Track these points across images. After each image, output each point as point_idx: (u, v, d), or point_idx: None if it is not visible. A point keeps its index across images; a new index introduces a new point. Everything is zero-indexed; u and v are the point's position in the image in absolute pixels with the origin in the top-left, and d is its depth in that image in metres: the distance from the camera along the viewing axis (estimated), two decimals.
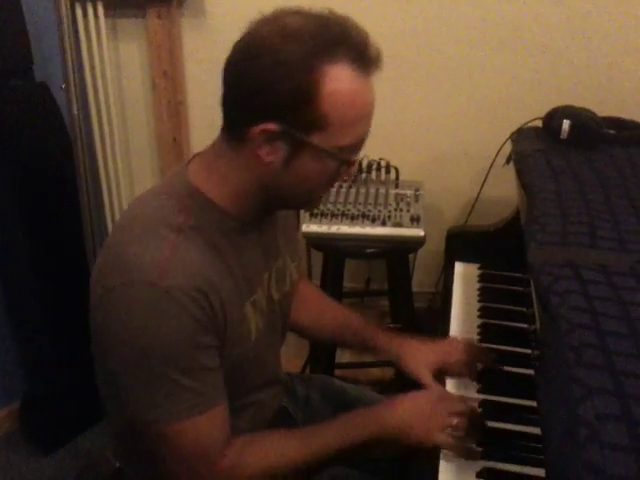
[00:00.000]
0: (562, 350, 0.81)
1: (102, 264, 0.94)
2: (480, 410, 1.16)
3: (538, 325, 0.97)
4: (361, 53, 0.89)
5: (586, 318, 0.88)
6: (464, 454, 1.05)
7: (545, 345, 0.88)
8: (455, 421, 1.05)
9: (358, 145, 0.95)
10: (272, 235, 1.12)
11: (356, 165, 0.99)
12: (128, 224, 0.97)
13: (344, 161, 0.94)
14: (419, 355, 1.26)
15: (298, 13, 0.91)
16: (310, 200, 1.03)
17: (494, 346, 1.36)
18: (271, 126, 0.88)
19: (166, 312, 0.87)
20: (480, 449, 1.07)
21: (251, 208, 1.00)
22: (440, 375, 1.25)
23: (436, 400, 1.10)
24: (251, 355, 1.05)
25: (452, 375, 1.27)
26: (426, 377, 1.23)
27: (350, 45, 0.89)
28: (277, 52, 0.86)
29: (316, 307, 1.37)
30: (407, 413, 1.07)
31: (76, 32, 1.99)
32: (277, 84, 0.86)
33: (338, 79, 0.87)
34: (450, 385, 1.25)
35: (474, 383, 1.25)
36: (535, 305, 1.02)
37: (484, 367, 1.28)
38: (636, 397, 0.73)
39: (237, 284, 0.99)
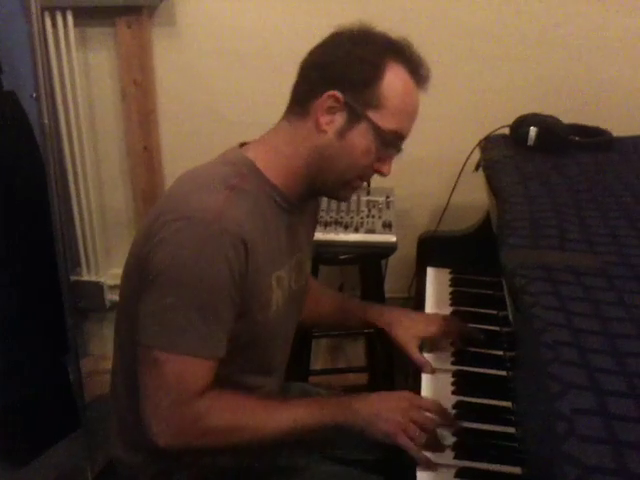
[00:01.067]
0: (537, 348, 0.83)
1: (164, 206, 1.04)
2: (454, 412, 1.18)
3: (513, 324, 0.99)
4: (416, 67, 1.09)
5: (560, 317, 0.90)
6: (425, 463, 1.05)
7: (520, 344, 0.91)
8: (417, 432, 1.06)
9: (399, 137, 1.10)
10: (299, 229, 1.21)
11: (390, 166, 1.13)
12: (190, 179, 1.09)
13: (388, 142, 1.08)
14: (408, 324, 1.36)
15: (372, 26, 1.11)
16: (348, 184, 1.13)
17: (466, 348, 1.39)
18: (337, 94, 1.04)
19: (212, 253, 0.97)
20: (451, 444, 1.08)
21: (297, 186, 1.12)
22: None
23: (406, 402, 1.12)
24: (266, 329, 1.12)
25: (433, 349, 1.35)
26: (413, 349, 1.32)
27: (410, 58, 1.09)
28: (355, 42, 1.07)
29: (314, 293, 1.42)
30: (374, 407, 1.10)
31: (45, 41, 1.97)
32: (348, 64, 1.05)
33: (398, 75, 1.06)
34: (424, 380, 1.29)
35: (449, 384, 1.27)
36: (508, 306, 1.05)
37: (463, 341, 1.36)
38: (611, 392, 0.75)
39: (272, 252, 1.09)
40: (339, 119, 1.06)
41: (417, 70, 1.09)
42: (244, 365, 1.12)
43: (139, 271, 1.03)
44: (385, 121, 1.06)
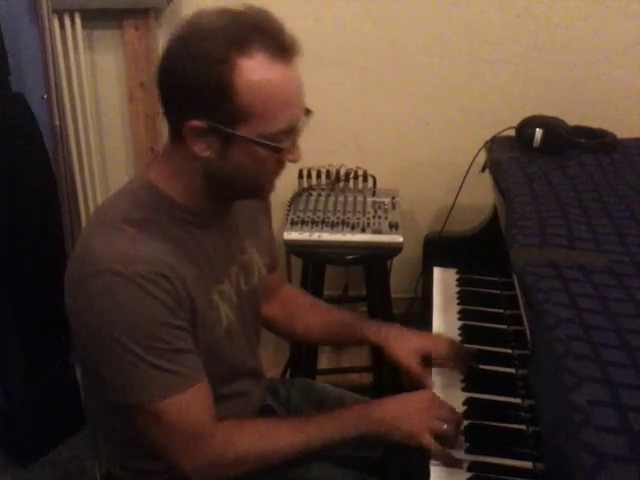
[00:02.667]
0: (551, 343, 0.85)
1: (72, 261, 0.99)
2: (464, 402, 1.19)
3: (525, 321, 1.01)
4: (275, 41, 0.92)
5: (570, 313, 0.93)
6: (447, 461, 1.07)
7: (534, 339, 0.93)
8: (444, 426, 1.07)
9: (290, 130, 0.97)
10: (235, 230, 1.15)
11: (298, 150, 1.01)
12: (93, 222, 1.04)
13: (275, 148, 0.96)
14: (405, 341, 1.29)
15: (214, 12, 0.94)
16: (258, 188, 1.05)
17: (475, 346, 1.41)
18: (197, 123, 0.92)
19: (132, 297, 0.92)
20: (465, 458, 1.08)
21: (205, 201, 1.04)
22: (425, 365, 1.28)
23: (427, 403, 1.12)
24: (224, 343, 1.10)
25: (438, 365, 1.29)
26: (411, 363, 1.25)
27: (264, 35, 0.92)
28: (193, 50, 0.90)
29: (303, 308, 1.41)
30: (396, 411, 1.10)
31: (53, 43, 1.99)
32: (195, 81, 0.90)
33: (252, 70, 0.91)
34: (435, 377, 1.29)
35: (459, 380, 1.29)
36: (521, 302, 1.07)
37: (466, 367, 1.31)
38: (623, 385, 0.77)
39: (201, 272, 1.03)
40: (214, 142, 0.95)
41: (277, 44, 0.92)
42: (217, 379, 1.08)
43: (77, 332, 1.00)
44: (261, 128, 0.94)
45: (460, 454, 1.09)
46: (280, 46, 0.93)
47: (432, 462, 1.07)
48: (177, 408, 0.97)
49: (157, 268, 0.94)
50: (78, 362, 1.16)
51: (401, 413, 1.09)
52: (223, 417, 1.04)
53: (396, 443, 1.09)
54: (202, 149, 0.95)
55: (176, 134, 0.97)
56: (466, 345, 1.38)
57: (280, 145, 0.96)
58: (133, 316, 0.93)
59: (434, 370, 1.25)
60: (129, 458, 1.14)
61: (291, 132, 0.98)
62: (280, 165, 1.02)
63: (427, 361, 1.29)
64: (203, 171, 0.99)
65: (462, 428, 1.13)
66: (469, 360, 1.32)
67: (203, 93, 0.91)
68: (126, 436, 1.10)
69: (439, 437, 1.07)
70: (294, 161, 1.02)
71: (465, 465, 1.07)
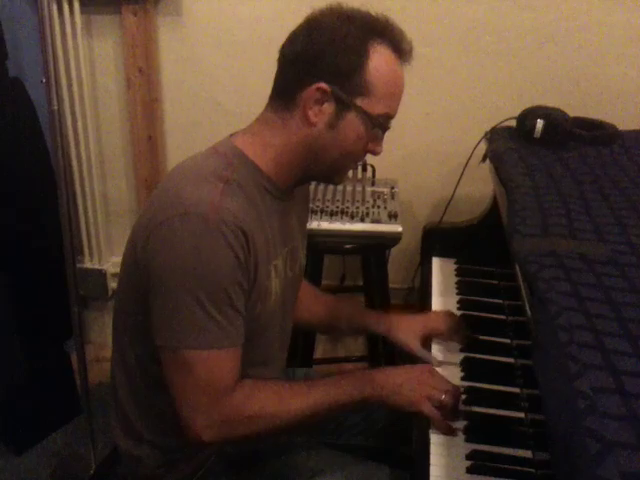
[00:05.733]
0: (554, 331, 0.85)
1: (157, 204, 1.02)
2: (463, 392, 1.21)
3: (527, 310, 1.01)
4: (399, 44, 1.07)
5: (573, 302, 0.92)
6: (446, 429, 1.12)
7: (537, 327, 0.93)
8: (443, 396, 1.12)
9: (389, 118, 1.10)
10: (291, 216, 1.21)
11: (381, 144, 1.13)
12: (181, 173, 1.07)
13: (378, 126, 1.08)
14: (407, 326, 1.39)
15: (348, 5, 1.07)
16: (341, 169, 1.15)
17: (475, 336, 1.41)
18: (324, 86, 1.02)
19: (214, 243, 0.96)
20: (461, 427, 1.13)
21: (288, 175, 1.12)
22: (426, 341, 1.38)
23: (428, 374, 1.17)
24: (267, 317, 1.12)
25: (440, 339, 1.39)
26: (415, 345, 1.36)
27: (392, 35, 1.06)
28: (334, 28, 1.03)
29: (307, 297, 1.43)
30: (398, 378, 1.15)
31: (51, 28, 1.97)
32: (333, 53, 1.02)
33: (383, 57, 1.04)
34: (435, 349, 1.37)
35: (458, 370, 1.30)
36: (523, 291, 1.07)
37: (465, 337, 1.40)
38: (627, 372, 0.77)
39: (267, 241, 1.08)
40: (328, 110, 1.05)
41: (400, 46, 1.07)
42: (243, 356, 1.10)
43: (140, 272, 1.02)
44: (374, 106, 1.05)
45: (460, 440, 1.11)
46: (402, 48, 1.07)
47: (431, 431, 1.12)
48: (212, 363, 1.00)
49: (240, 223, 0.98)
50: (119, 314, 1.17)
51: (403, 380, 1.14)
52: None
53: (397, 410, 1.13)
54: (315, 114, 1.04)
55: (285, 103, 1.07)
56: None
57: (382, 128, 1.09)
58: (209, 262, 0.96)
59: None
60: (151, 431, 1.17)
61: (388, 122, 1.10)
62: (363, 154, 1.13)
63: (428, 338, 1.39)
64: (303, 140, 1.07)
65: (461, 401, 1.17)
66: (467, 331, 1.40)
67: (336, 63, 1.02)
68: (154, 408, 1.14)
69: (439, 408, 1.12)
70: (376, 152, 1.13)
71: (464, 453, 1.09)
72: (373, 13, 1.07)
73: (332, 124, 1.06)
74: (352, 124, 1.06)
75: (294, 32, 1.08)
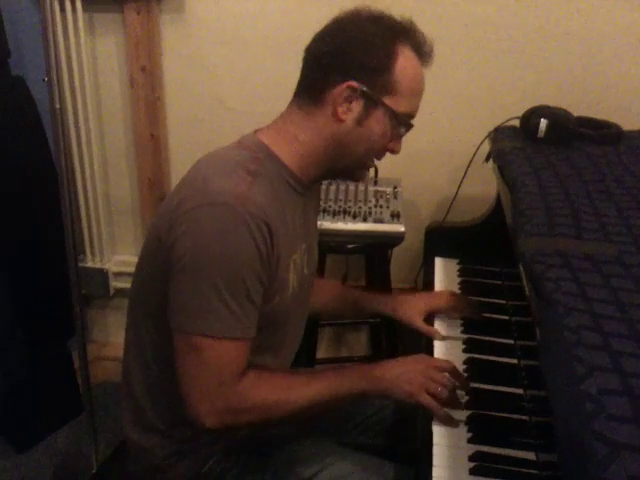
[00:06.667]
0: (561, 332, 0.85)
1: (185, 192, 1.04)
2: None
3: (533, 311, 1.01)
4: (422, 46, 1.11)
5: (580, 303, 0.92)
6: (446, 420, 1.13)
7: (543, 328, 0.92)
8: (439, 389, 1.14)
9: (411, 117, 1.14)
10: (310, 213, 1.24)
11: (401, 143, 1.17)
12: (209, 164, 1.10)
13: (402, 124, 1.12)
14: (411, 305, 1.46)
15: (370, 8, 1.11)
16: (364, 165, 1.18)
17: (477, 337, 1.41)
18: (355, 84, 1.06)
19: (238, 233, 0.98)
20: (464, 418, 1.14)
21: (313, 170, 1.14)
22: (429, 318, 1.45)
23: (424, 363, 1.19)
24: (284, 310, 1.14)
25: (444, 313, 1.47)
26: (419, 322, 1.42)
27: (415, 38, 1.10)
28: (362, 28, 1.08)
29: (314, 282, 1.42)
30: (396, 371, 1.16)
31: (54, 26, 1.97)
32: (361, 52, 1.06)
33: (408, 58, 1.09)
34: (438, 324, 1.42)
35: (462, 370, 1.29)
36: (527, 292, 1.06)
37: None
38: (635, 374, 0.77)
39: (288, 235, 1.10)
40: (356, 107, 1.08)
41: (422, 49, 1.11)
42: (254, 344, 1.12)
43: (162, 259, 1.04)
44: (399, 105, 1.09)
45: (463, 441, 1.11)
46: (424, 51, 1.11)
47: (434, 423, 1.13)
48: (222, 351, 1.02)
49: (264, 215, 1.00)
50: (136, 301, 1.19)
51: (399, 373, 1.15)
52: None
53: (396, 401, 1.19)
54: (344, 111, 1.08)
55: (313, 99, 1.10)
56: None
57: (405, 127, 1.13)
58: (230, 251, 0.98)
59: None
60: (163, 420, 1.18)
61: (410, 122, 1.13)
62: (384, 151, 1.16)
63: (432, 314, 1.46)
64: (329, 135, 1.10)
65: (467, 388, 1.21)
66: (471, 308, 1.47)
67: (365, 62, 1.06)
68: (167, 397, 1.15)
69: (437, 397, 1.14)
70: (395, 151, 1.16)
71: (467, 454, 1.08)
72: (395, 15, 1.11)
73: (360, 121, 1.09)
74: (379, 121, 1.09)
75: (321, 32, 1.11)
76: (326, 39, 1.10)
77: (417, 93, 1.12)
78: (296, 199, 1.15)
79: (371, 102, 1.08)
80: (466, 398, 1.20)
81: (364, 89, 1.06)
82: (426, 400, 1.13)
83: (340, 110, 1.08)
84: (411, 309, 1.44)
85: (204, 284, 0.99)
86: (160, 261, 1.05)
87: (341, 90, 1.06)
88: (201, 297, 0.99)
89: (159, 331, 1.13)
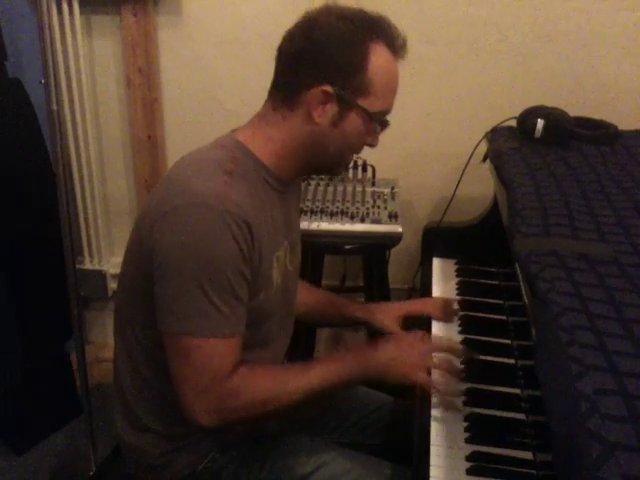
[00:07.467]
0: (556, 332, 0.85)
1: (163, 194, 1.05)
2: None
3: (528, 311, 1.01)
4: (394, 40, 1.09)
5: (575, 302, 0.92)
6: (444, 401, 1.17)
7: (539, 327, 0.92)
8: (435, 360, 1.17)
9: (386, 114, 1.13)
10: (291, 210, 1.24)
11: (378, 138, 1.16)
12: (187, 164, 1.09)
13: (379, 122, 1.12)
14: (387, 310, 1.49)
15: (342, 4, 1.10)
16: (342, 161, 1.19)
17: (475, 337, 1.41)
18: (328, 88, 1.05)
19: (218, 232, 0.98)
20: (465, 448, 1.11)
21: (290, 167, 1.14)
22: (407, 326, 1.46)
23: (416, 342, 1.22)
24: (269, 307, 1.15)
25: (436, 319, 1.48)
26: (392, 326, 1.45)
27: (386, 31, 1.08)
28: (333, 28, 1.05)
29: (299, 287, 1.43)
30: (390, 353, 1.18)
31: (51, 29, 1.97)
32: (333, 54, 1.05)
33: (381, 56, 1.07)
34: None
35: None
36: (523, 292, 1.06)
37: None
38: (629, 374, 0.77)
39: (269, 232, 1.10)
40: (331, 110, 1.08)
41: (395, 43, 1.10)
42: (243, 340, 1.12)
43: (145, 260, 1.04)
44: (374, 104, 1.09)
45: (460, 442, 1.11)
46: (396, 44, 1.09)
47: (433, 414, 1.15)
48: (211, 350, 1.02)
49: (244, 214, 1.01)
50: (123, 304, 1.20)
51: (395, 355, 1.18)
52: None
53: (393, 384, 1.17)
54: (319, 114, 1.07)
55: (288, 102, 1.09)
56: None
57: (380, 124, 1.13)
58: (212, 250, 0.98)
59: (434, 371, 1.25)
60: (155, 419, 1.19)
61: (383, 119, 1.13)
62: (362, 147, 1.17)
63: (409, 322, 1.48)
64: (305, 137, 1.10)
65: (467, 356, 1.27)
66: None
67: (337, 65, 1.05)
68: (157, 395, 1.16)
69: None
70: (373, 145, 1.17)
71: (465, 454, 1.08)
72: (367, 10, 1.09)
73: (335, 123, 1.09)
74: (353, 122, 1.09)
75: (291, 31, 1.10)
76: (295, 38, 1.09)
77: (391, 90, 1.12)
78: (275, 196, 1.15)
79: (345, 104, 1.07)
80: (463, 398, 1.20)
81: (338, 92, 1.06)
82: (421, 378, 1.15)
83: (315, 114, 1.08)
84: (385, 314, 1.47)
85: (188, 285, 0.99)
86: (143, 262, 1.05)
87: (315, 94, 1.06)
88: (186, 298, 0.99)
89: (145, 334, 1.13)
